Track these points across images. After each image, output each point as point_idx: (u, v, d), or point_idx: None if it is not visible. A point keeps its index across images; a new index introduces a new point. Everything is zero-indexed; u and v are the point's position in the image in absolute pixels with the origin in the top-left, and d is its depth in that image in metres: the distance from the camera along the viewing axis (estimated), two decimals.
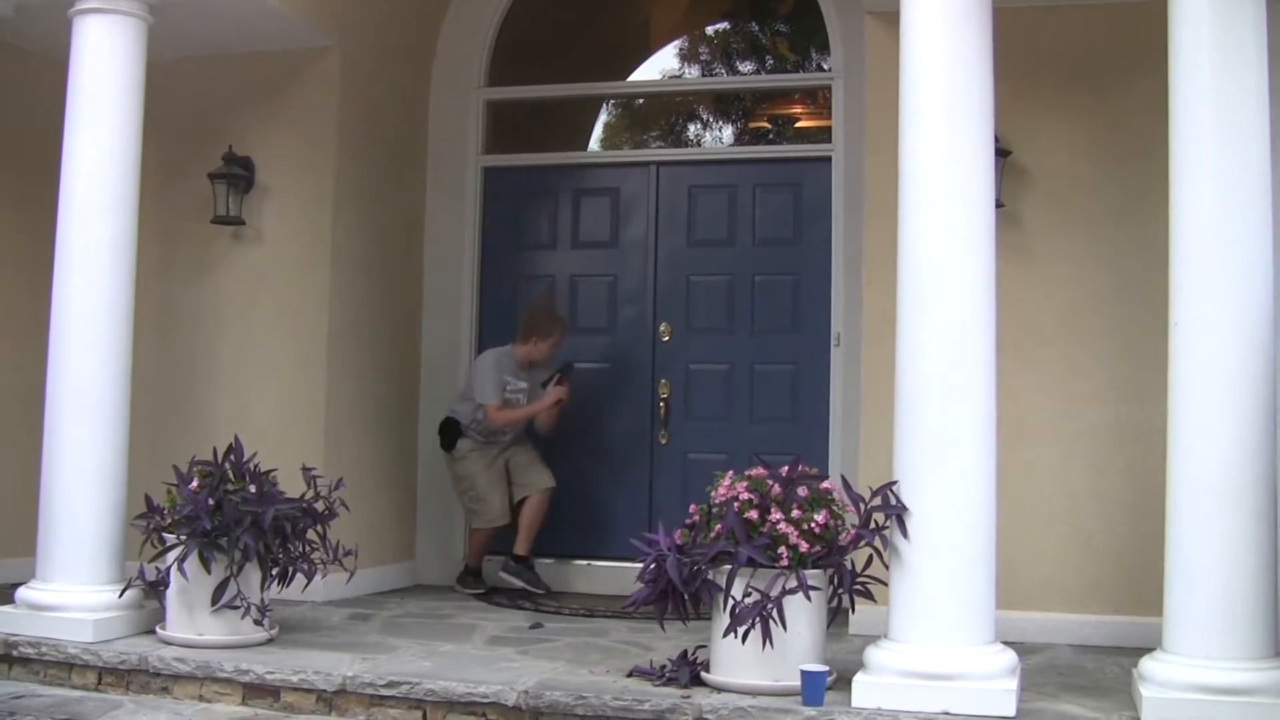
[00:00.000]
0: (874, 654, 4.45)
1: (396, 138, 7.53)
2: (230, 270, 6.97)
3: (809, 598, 4.46)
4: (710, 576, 4.56)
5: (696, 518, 4.75)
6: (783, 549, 4.48)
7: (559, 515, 7.22)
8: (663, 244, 7.50)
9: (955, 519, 4.38)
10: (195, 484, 5.27)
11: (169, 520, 5.26)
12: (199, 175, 6.87)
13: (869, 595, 4.71)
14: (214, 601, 5.16)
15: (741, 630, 4.40)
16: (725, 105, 7.90)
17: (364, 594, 6.73)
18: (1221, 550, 4.17)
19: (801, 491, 4.62)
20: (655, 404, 7.40)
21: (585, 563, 7.37)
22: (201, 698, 4.90)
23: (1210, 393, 4.22)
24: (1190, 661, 4.17)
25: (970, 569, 4.38)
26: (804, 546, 4.50)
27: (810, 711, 4.29)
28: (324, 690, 4.75)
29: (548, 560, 7.28)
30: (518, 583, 7.01)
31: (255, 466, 5.38)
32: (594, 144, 8.12)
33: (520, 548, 7.11)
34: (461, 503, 7.27)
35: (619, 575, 6.75)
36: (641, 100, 8.15)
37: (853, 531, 4.58)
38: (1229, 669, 4.11)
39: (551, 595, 7.01)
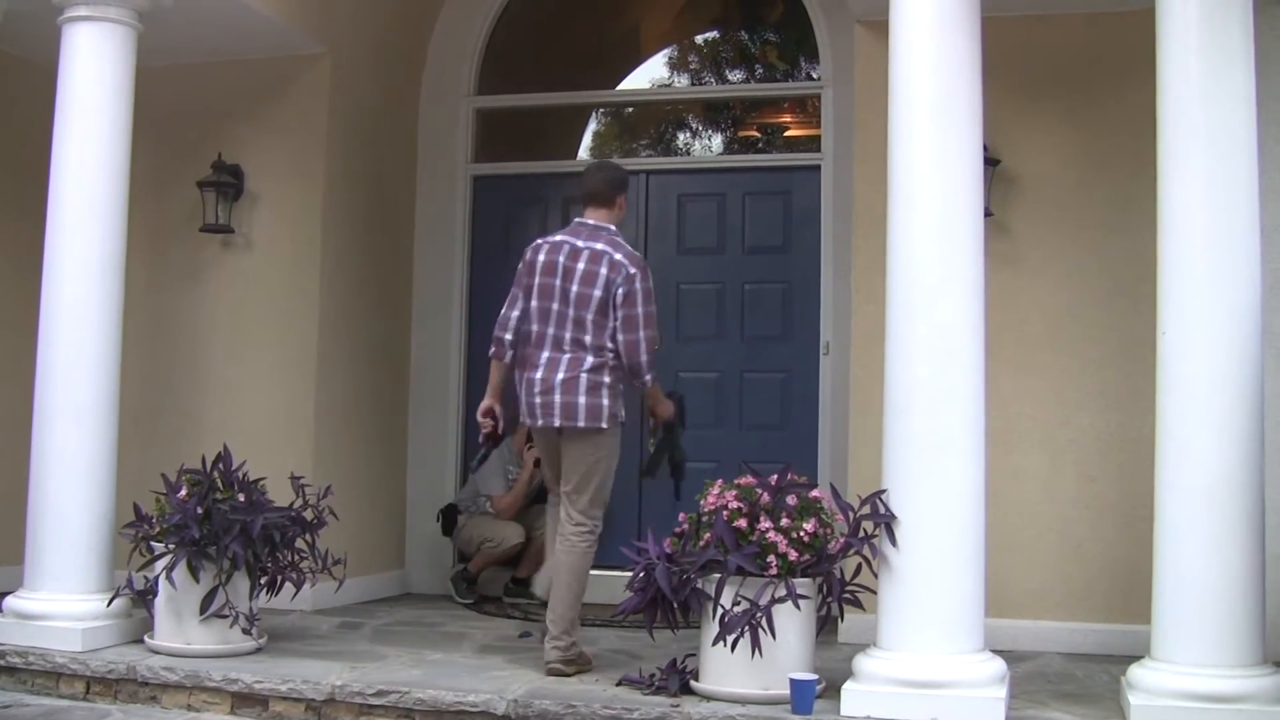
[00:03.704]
0: (863, 662, 4.44)
1: (386, 145, 7.52)
2: (219, 278, 6.95)
3: (798, 606, 4.46)
4: (699, 585, 4.56)
5: (686, 526, 4.75)
6: (772, 557, 4.48)
7: None
8: (652, 252, 7.48)
9: (945, 527, 4.38)
10: (184, 492, 5.26)
11: (157, 529, 5.25)
12: (188, 183, 6.85)
13: (858, 603, 4.72)
14: (202, 610, 5.14)
15: (731, 639, 4.40)
16: (715, 114, 7.92)
17: (353, 603, 6.72)
18: (1209, 557, 4.17)
19: (791, 500, 4.61)
20: (644, 412, 7.37)
21: None
22: (190, 707, 4.88)
23: (1198, 399, 4.23)
24: (1178, 669, 4.17)
25: (959, 577, 4.38)
26: (793, 555, 4.50)
27: None
28: (313, 699, 4.73)
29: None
30: (521, 600, 7.01)
31: (244, 475, 5.37)
32: (584, 152, 8.11)
33: (523, 570, 7.14)
34: (477, 550, 7.18)
35: (608, 583, 6.69)
36: (631, 109, 8.17)
37: (842, 540, 4.58)
38: (1217, 676, 4.12)
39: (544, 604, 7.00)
